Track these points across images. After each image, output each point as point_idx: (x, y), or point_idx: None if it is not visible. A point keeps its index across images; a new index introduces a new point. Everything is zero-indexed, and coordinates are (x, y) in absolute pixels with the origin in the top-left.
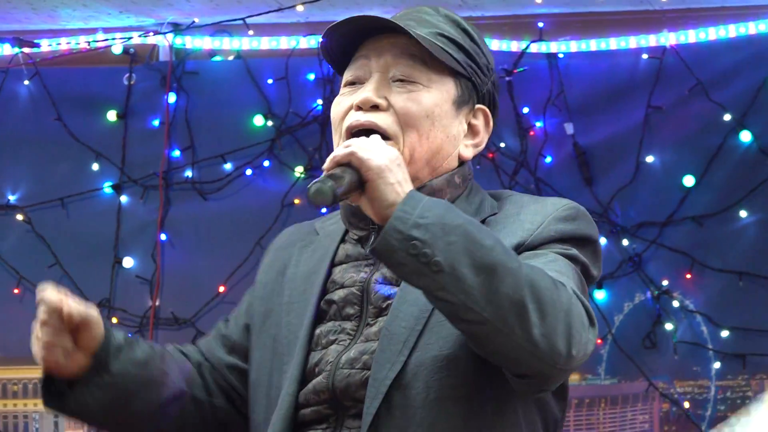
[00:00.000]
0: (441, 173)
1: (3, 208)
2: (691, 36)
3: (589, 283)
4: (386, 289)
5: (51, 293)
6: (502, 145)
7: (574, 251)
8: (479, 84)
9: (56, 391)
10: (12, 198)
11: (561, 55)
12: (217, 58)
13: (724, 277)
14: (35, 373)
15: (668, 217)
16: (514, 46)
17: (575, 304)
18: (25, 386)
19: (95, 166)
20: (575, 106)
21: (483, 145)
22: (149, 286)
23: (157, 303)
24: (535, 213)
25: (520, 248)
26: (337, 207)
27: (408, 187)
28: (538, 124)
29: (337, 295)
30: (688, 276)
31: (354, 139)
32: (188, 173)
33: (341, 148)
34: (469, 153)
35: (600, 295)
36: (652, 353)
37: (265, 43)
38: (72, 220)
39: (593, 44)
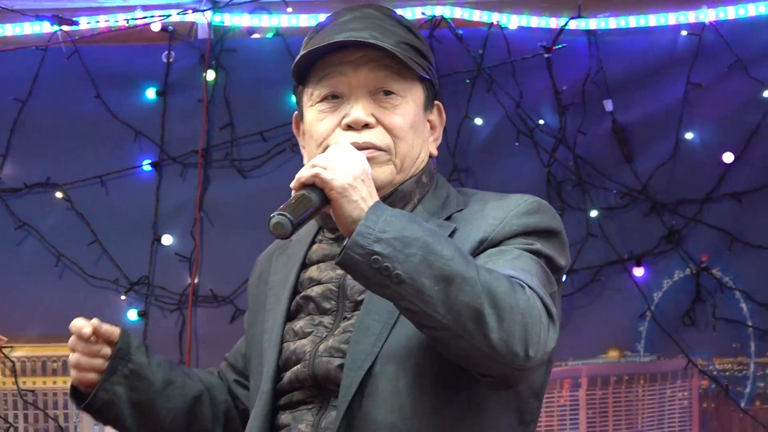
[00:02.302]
0: (411, 175)
1: (42, 186)
2: (731, 12)
3: (558, 274)
4: (360, 285)
5: (77, 321)
6: (541, 122)
7: (537, 245)
8: (435, 83)
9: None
10: (51, 176)
11: (600, 32)
12: (256, 36)
13: (764, 254)
14: None
15: (707, 194)
16: (553, 23)
17: (533, 305)
18: (64, 363)
19: (134, 144)
20: (614, 84)
21: (441, 137)
22: (188, 264)
23: (196, 280)
24: (497, 208)
25: (483, 243)
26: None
27: (372, 201)
28: (577, 101)
29: (315, 291)
30: (728, 253)
31: (320, 156)
32: (227, 151)
33: (306, 167)
34: (434, 149)
35: (639, 272)
36: (692, 330)
37: (304, 21)
38: (111, 198)
39: (632, 21)
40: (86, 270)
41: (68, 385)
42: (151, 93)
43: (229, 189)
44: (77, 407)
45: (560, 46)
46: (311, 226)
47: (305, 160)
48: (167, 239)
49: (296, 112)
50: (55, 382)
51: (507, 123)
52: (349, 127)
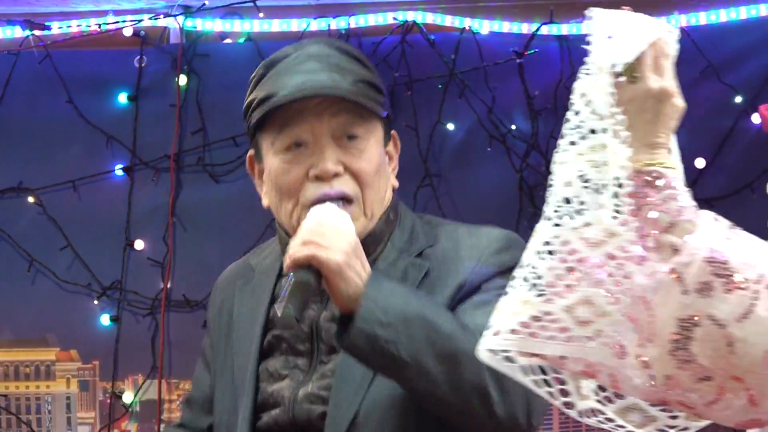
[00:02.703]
0: (379, 218)
1: (14, 191)
2: (702, 18)
3: None
4: (335, 328)
5: None
6: (513, 127)
7: None
8: (391, 115)
9: None
10: (23, 180)
11: (572, 38)
12: (228, 41)
13: None
14: (47, 355)
15: None
16: (525, 28)
17: None
18: (37, 368)
19: (106, 149)
20: None
21: (397, 165)
22: (161, 269)
23: (168, 285)
24: (471, 248)
25: (462, 289)
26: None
27: (365, 274)
28: (549, 106)
29: (287, 331)
30: None
31: (308, 229)
32: (199, 156)
33: (299, 245)
34: (395, 181)
35: None
36: None
37: (276, 26)
38: (83, 203)
39: None
40: (59, 275)
41: (41, 390)
42: (123, 98)
43: (202, 194)
44: None
45: (532, 51)
46: (275, 256)
47: (264, 201)
48: (140, 244)
49: (251, 152)
50: (27, 387)
51: (479, 128)
52: (318, 178)
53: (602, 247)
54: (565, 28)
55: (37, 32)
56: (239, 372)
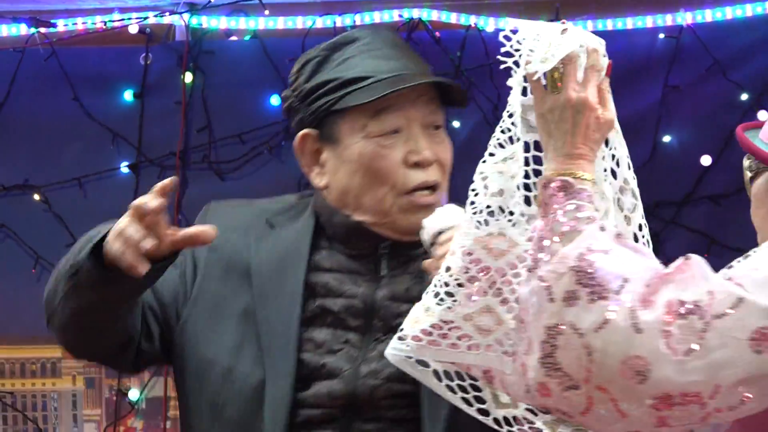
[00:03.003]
0: None
1: (20, 188)
2: (708, 15)
3: None
4: (395, 307)
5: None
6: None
7: None
8: None
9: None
10: (29, 178)
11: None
12: (234, 38)
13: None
14: (53, 353)
15: (686, 197)
16: None
17: None
18: (43, 365)
19: (112, 146)
20: None
21: None
22: None
23: None
24: None
25: None
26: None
27: None
28: None
29: (336, 304)
30: (706, 255)
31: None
32: (205, 153)
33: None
34: None
35: None
36: None
37: (281, 23)
38: (89, 200)
39: (609, 24)
40: None
41: (47, 387)
42: (128, 95)
43: (208, 191)
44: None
45: None
46: (305, 225)
47: (319, 181)
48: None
49: (305, 131)
50: (33, 384)
51: (485, 125)
52: (417, 165)
53: (505, 257)
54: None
55: (42, 29)
56: (269, 327)
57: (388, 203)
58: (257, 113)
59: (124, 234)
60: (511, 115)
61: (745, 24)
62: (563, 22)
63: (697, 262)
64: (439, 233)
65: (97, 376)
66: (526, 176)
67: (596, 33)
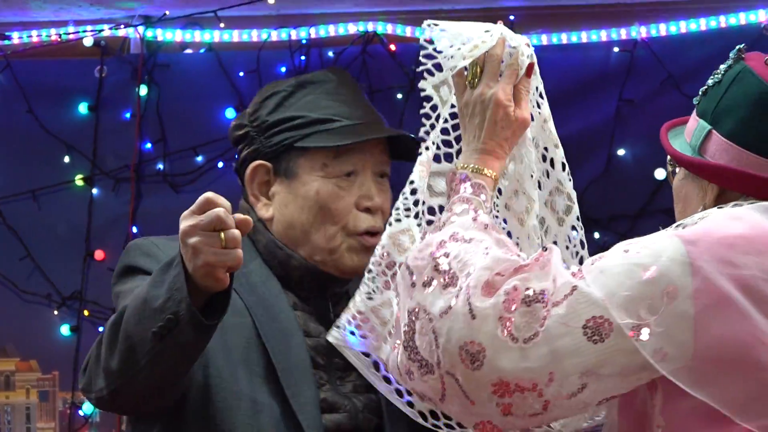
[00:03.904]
0: None
1: None
2: (662, 29)
3: None
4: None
5: (217, 195)
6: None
7: None
8: None
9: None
10: None
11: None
12: (189, 51)
13: None
14: (6, 366)
15: (640, 210)
16: None
17: None
18: None
19: (66, 159)
20: (547, 100)
21: None
22: None
23: None
24: None
25: None
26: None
27: None
28: None
29: (307, 342)
30: None
31: None
32: (160, 166)
33: None
34: None
35: None
36: None
37: (236, 36)
38: (43, 213)
39: (564, 37)
40: (18, 285)
41: (1, 400)
42: (83, 108)
43: (162, 204)
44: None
45: None
46: (258, 264)
47: (264, 212)
48: (100, 254)
49: (259, 162)
50: None
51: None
52: (368, 210)
53: (407, 252)
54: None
55: None
56: (285, 368)
57: (337, 242)
58: (212, 126)
59: (217, 240)
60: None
61: (700, 38)
62: (496, 23)
63: (553, 253)
64: None
65: (51, 389)
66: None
67: (551, 47)
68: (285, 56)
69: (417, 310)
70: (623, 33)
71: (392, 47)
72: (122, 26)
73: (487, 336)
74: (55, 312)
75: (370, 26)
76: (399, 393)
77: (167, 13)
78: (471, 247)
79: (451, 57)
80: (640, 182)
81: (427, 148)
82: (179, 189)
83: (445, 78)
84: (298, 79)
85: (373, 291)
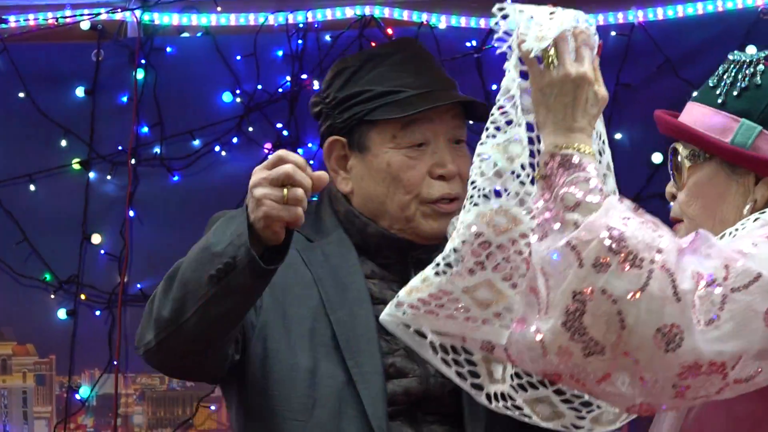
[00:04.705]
0: None
1: None
2: (660, 13)
3: None
4: None
5: (290, 153)
6: (470, 122)
7: None
8: None
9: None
10: None
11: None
12: (185, 35)
13: None
14: (3, 349)
15: (637, 194)
16: (483, 23)
17: None
18: None
19: (63, 143)
20: None
21: None
22: (117, 263)
23: (125, 279)
24: None
25: None
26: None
27: None
28: None
29: (379, 310)
30: None
31: None
32: (156, 149)
33: None
34: None
35: None
36: None
37: (233, 20)
38: (40, 197)
39: None
40: (15, 269)
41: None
42: (80, 91)
43: (159, 187)
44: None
45: (490, 46)
46: (337, 232)
47: (344, 186)
48: (96, 238)
49: (334, 138)
50: None
51: None
52: (441, 177)
53: (507, 233)
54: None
55: None
56: (348, 337)
57: (411, 210)
58: (209, 110)
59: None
60: (510, 98)
61: (697, 22)
62: (551, 6)
63: (707, 236)
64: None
65: (47, 373)
66: (531, 154)
67: None
68: (282, 40)
69: (589, 291)
70: (620, 17)
71: (389, 31)
72: (119, 10)
73: (686, 318)
74: (52, 296)
75: (368, 10)
76: (461, 376)
77: None
78: (640, 227)
79: (523, 40)
80: (637, 166)
81: (500, 129)
82: (176, 173)
83: (514, 63)
84: (366, 53)
85: (462, 271)
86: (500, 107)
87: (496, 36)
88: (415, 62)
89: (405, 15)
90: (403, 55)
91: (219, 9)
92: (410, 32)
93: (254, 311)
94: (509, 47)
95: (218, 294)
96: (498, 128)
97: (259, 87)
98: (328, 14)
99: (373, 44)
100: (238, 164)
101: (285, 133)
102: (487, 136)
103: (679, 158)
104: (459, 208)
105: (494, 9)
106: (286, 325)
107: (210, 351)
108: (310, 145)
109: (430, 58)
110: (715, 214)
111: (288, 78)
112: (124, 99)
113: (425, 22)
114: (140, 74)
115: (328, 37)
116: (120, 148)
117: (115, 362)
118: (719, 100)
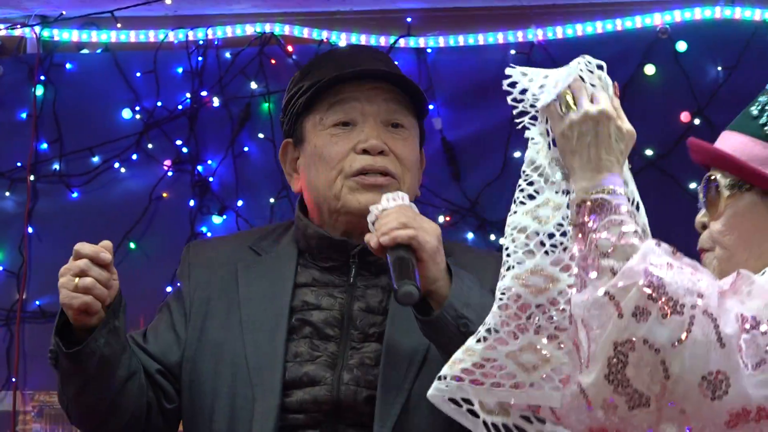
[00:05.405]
0: None
1: None
2: (559, 32)
3: None
4: (371, 318)
5: (88, 245)
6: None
7: None
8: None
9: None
10: None
11: (429, 50)
12: (85, 51)
13: None
14: None
15: None
16: (382, 41)
17: None
18: None
19: None
20: (444, 102)
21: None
22: (16, 280)
23: (24, 296)
24: (492, 262)
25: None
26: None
27: (443, 261)
28: None
29: (315, 316)
30: None
31: (402, 213)
32: (56, 166)
33: (399, 227)
34: (418, 190)
35: None
36: None
37: (134, 36)
38: None
39: (461, 39)
40: None
41: None
42: None
43: (58, 204)
44: (65, 349)
45: None
46: (289, 243)
47: (295, 186)
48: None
49: (286, 140)
50: None
51: None
52: (365, 152)
53: (545, 294)
54: (422, 41)
55: None
56: (255, 347)
57: (338, 187)
58: (108, 126)
59: (83, 284)
60: (536, 168)
61: (596, 41)
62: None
63: (748, 275)
64: (383, 211)
65: None
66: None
67: (448, 49)
68: (182, 57)
69: (631, 341)
70: (520, 35)
71: (290, 48)
72: (18, 26)
73: (732, 364)
74: None
75: (268, 27)
76: None
77: (64, 12)
78: (678, 273)
79: (538, 98)
80: None
81: (530, 197)
82: (75, 189)
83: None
84: (313, 59)
85: (504, 336)
86: (527, 177)
87: (510, 97)
88: (349, 54)
89: (305, 33)
90: (338, 54)
91: (119, 26)
92: (311, 50)
93: (182, 344)
94: (525, 112)
95: (64, 376)
96: (527, 197)
97: (159, 104)
98: (228, 31)
99: (273, 62)
100: (138, 181)
101: (185, 150)
102: (516, 206)
103: (719, 187)
104: (390, 184)
105: (507, 70)
106: (212, 353)
107: (104, 419)
108: (209, 162)
109: (370, 49)
110: (751, 245)
111: (188, 95)
112: (24, 115)
113: (326, 40)
114: (40, 90)
115: (228, 54)
116: (19, 164)
117: (14, 379)
118: (762, 131)
